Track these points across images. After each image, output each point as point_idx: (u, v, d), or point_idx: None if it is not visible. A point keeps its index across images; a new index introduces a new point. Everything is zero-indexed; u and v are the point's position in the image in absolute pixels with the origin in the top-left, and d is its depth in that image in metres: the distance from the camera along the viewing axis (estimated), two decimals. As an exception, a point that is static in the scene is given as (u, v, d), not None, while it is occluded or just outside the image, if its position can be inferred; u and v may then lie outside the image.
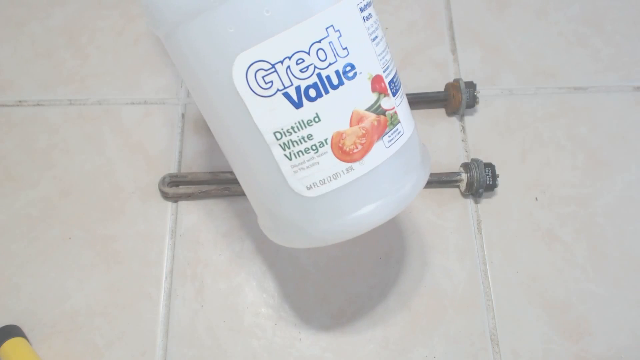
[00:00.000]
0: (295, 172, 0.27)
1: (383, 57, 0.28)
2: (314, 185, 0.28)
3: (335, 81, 0.26)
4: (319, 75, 0.26)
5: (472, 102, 0.46)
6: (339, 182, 0.27)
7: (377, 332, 0.40)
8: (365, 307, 0.41)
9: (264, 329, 0.40)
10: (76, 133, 0.47)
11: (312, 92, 0.26)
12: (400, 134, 0.29)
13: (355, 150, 0.27)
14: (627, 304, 0.41)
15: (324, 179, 0.27)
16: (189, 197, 0.44)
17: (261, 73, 0.25)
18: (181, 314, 0.41)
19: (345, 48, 0.26)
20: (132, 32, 0.51)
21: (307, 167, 0.27)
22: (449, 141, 0.47)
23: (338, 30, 0.26)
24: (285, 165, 0.27)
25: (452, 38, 0.51)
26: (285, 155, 0.27)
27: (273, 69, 0.25)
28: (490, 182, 0.42)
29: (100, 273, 0.42)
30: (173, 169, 0.45)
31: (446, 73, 0.50)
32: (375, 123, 0.28)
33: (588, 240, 0.43)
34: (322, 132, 0.27)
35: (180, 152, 0.46)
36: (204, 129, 0.47)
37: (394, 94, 0.29)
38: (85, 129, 0.47)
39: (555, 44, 0.51)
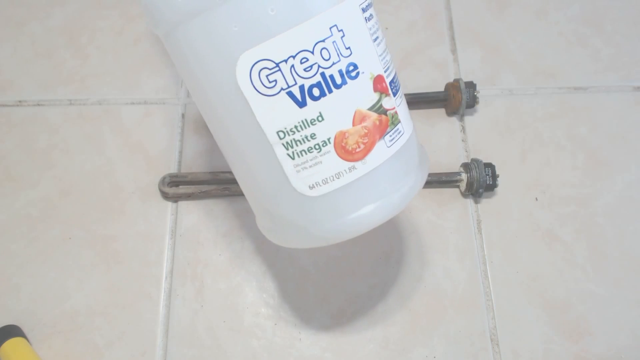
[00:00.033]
0: (298, 171, 0.27)
1: (384, 58, 0.29)
2: (317, 185, 0.28)
3: (338, 80, 0.26)
4: (322, 74, 0.26)
5: (472, 102, 0.46)
6: (341, 182, 0.27)
7: (377, 332, 0.40)
8: (365, 307, 0.41)
9: (264, 329, 0.40)
10: (76, 133, 0.47)
11: (316, 92, 0.26)
12: (400, 134, 0.29)
13: (357, 150, 0.27)
14: (627, 304, 0.41)
15: (326, 178, 0.27)
16: (189, 197, 0.44)
17: (265, 72, 0.25)
18: (181, 314, 0.41)
19: (348, 48, 0.26)
20: (132, 32, 0.51)
21: (310, 166, 0.27)
22: (449, 141, 0.47)
23: (341, 30, 0.26)
24: (287, 165, 0.27)
25: (452, 38, 0.51)
26: (288, 155, 0.27)
27: (277, 68, 0.25)
28: (490, 182, 0.42)
29: (100, 273, 0.42)
30: (173, 169, 0.45)
31: (446, 73, 0.50)
32: (377, 122, 0.28)
33: (588, 240, 0.43)
34: (325, 131, 0.27)
35: (180, 152, 0.46)
36: (204, 129, 0.47)
37: (394, 94, 0.29)
38: (85, 129, 0.47)
39: (555, 44, 0.51)
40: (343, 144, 0.27)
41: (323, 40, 0.26)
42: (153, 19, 0.27)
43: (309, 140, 0.27)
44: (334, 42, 0.26)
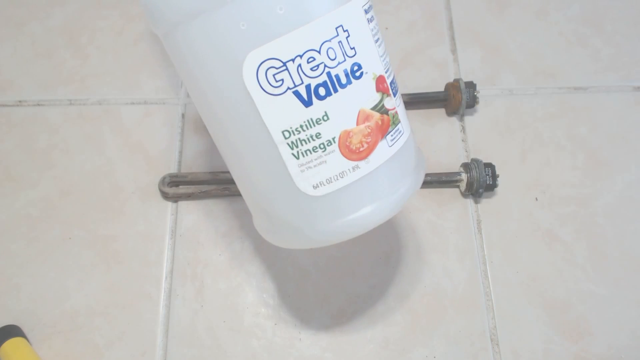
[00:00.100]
0: (302, 171, 0.27)
1: (384, 59, 0.29)
2: (321, 184, 0.28)
3: (343, 80, 0.26)
4: (328, 74, 0.26)
5: (472, 102, 0.46)
6: (345, 181, 0.28)
7: (377, 332, 0.40)
8: (365, 307, 0.41)
9: (264, 329, 0.40)
10: (76, 133, 0.47)
11: (322, 91, 0.26)
12: (401, 134, 0.29)
13: (361, 149, 0.27)
14: (627, 304, 0.41)
15: (330, 178, 0.28)
16: (189, 197, 0.44)
17: (272, 71, 0.25)
18: (181, 314, 0.41)
19: (353, 48, 0.27)
20: (132, 32, 0.51)
21: (315, 165, 0.27)
22: (449, 141, 0.47)
23: (346, 31, 0.26)
24: (292, 165, 0.27)
25: (452, 38, 0.51)
26: (293, 154, 0.27)
27: (284, 67, 0.25)
28: (490, 182, 0.42)
29: (100, 273, 0.42)
30: (173, 169, 0.45)
31: (446, 73, 0.50)
32: (380, 122, 0.28)
33: (588, 240, 0.43)
34: (330, 130, 0.27)
35: (180, 152, 0.46)
36: (204, 129, 0.47)
37: (394, 95, 0.29)
38: (85, 129, 0.47)
39: (555, 44, 0.51)
40: (347, 143, 0.27)
41: (329, 40, 0.26)
42: (153, 18, 0.27)
43: (314, 140, 0.27)
44: (339, 42, 0.26)
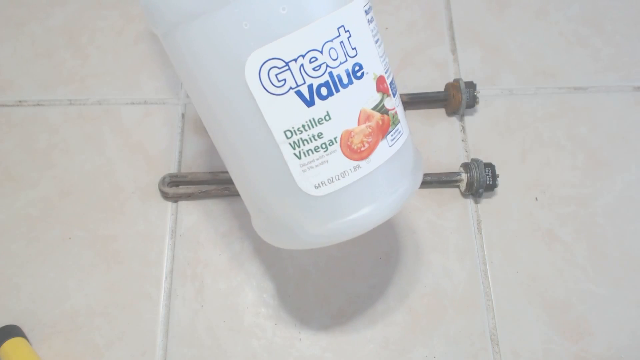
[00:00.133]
0: (304, 171, 0.27)
1: (384, 60, 0.29)
2: (322, 184, 0.28)
3: (345, 80, 0.26)
4: (330, 74, 0.26)
5: (472, 102, 0.46)
6: (346, 181, 0.28)
7: (377, 332, 0.40)
8: (365, 307, 0.41)
9: (264, 329, 0.40)
10: (76, 133, 0.47)
11: (324, 91, 0.26)
12: (400, 134, 0.30)
13: (362, 149, 0.28)
14: (627, 304, 0.41)
15: (332, 177, 0.28)
16: (189, 197, 0.44)
17: (275, 71, 0.26)
18: (181, 314, 0.41)
19: (354, 48, 0.27)
20: (132, 32, 0.51)
21: (316, 165, 0.27)
22: (449, 141, 0.47)
23: (348, 31, 0.26)
24: (294, 165, 0.27)
25: (452, 38, 0.51)
26: (295, 154, 0.27)
27: (287, 67, 0.25)
28: (490, 182, 0.42)
29: (100, 273, 0.42)
30: (173, 169, 0.45)
31: (446, 73, 0.50)
32: (380, 122, 0.28)
33: (588, 240, 0.43)
34: (332, 130, 0.27)
35: (180, 152, 0.46)
36: (204, 129, 0.47)
37: (393, 95, 0.30)
38: (85, 129, 0.47)
39: (555, 44, 0.51)
40: (349, 143, 0.27)
41: (331, 40, 0.26)
42: (152, 19, 0.27)
43: (315, 140, 0.27)
44: (341, 42, 0.26)
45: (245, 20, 0.25)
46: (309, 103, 0.26)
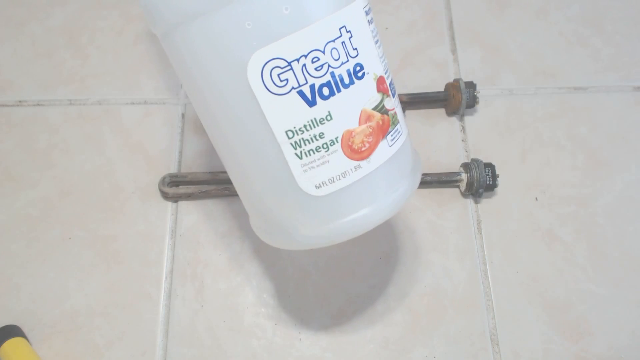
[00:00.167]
0: (305, 171, 0.28)
1: (384, 60, 0.29)
2: (323, 184, 0.28)
3: (346, 80, 0.27)
4: (332, 74, 0.26)
5: (472, 102, 0.46)
6: (347, 181, 0.28)
7: (377, 332, 0.40)
8: (365, 307, 0.41)
9: (264, 329, 0.40)
10: (76, 133, 0.47)
11: (326, 91, 0.26)
12: (400, 134, 0.30)
13: (363, 149, 0.28)
14: (627, 304, 0.41)
15: (333, 178, 0.28)
16: (188, 197, 0.44)
17: (277, 71, 0.26)
18: (181, 314, 0.41)
19: (355, 48, 0.27)
20: (132, 32, 0.51)
21: (317, 165, 0.27)
22: (449, 141, 0.47)
23: (349, 31, 0.26)
24: (295, 164, 0.27)
25: (452, 38, 0.51)
26: (296, 155, 0.27)
27: (289, 67, 0.26)
28: (490, 182, 0.42)
29: (100, 273, 0.42)
30: (173, 169, 0.45)
31: (446, 73, 0.50)
32: (380, 122, 0.28)
33: (588, 240, 0.43)
34: (333, 130, 0.27)
35: (180, 152, 0.46)
36: (203, 129, 0.47)
37: (393, 95, 0.30)
38: (85, 129, 0.47)
39: (555, 44, 0.51)
40: (350, 143, 0.27)
41: (333, 41, 0.26)
42: (152, 19, 0.27)
43: (317, 140, 0.27)
44: (343, 42, 0.26)
45: (248, 20, 0.25)
46: (311, 103, 0.26)
